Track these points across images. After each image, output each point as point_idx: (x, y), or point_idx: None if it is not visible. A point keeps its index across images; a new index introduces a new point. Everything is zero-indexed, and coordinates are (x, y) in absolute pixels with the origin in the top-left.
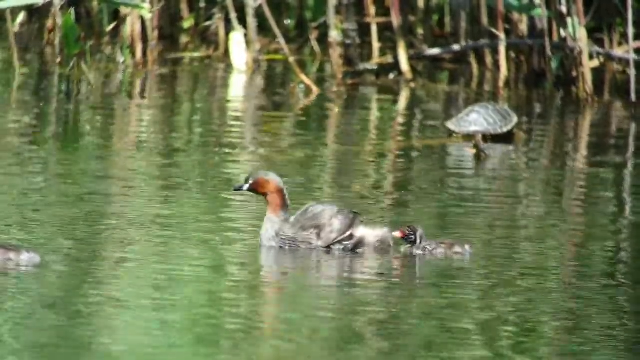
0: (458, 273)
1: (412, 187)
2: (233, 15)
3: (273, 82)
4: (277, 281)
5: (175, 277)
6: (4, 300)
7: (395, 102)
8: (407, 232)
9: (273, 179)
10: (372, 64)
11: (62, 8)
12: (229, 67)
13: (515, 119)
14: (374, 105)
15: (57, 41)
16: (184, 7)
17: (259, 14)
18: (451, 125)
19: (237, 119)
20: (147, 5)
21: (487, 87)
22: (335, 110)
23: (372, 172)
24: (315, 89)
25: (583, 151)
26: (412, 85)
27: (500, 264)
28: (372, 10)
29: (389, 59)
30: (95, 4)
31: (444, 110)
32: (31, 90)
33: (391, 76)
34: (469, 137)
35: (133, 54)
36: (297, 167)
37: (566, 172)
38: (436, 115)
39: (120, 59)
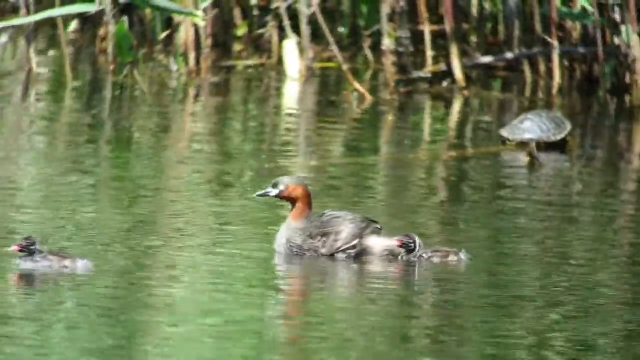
0: (506, 283)
1: (465, 195)
2: (286, 23)
3: (326, 89)
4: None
5: (226, 284)
6: (59, 308)
7: (448, 109)
8: (405, 240)
9: (302, 185)
10: (425, 72)
11: (114, 16)
12: (282, 75)
13: (568, 127)
14: (427, 113)
15: (109, 49)
16: (237, 14)
17: (312, 21)
18: (505, 132)
19: (290, 126)
20: (200, 13)
21: (540, 95)
22: (388, 117)
23: (425, 180)
24: (368, 97)
25: (636, 158)
26: (465, 92)
27: (550, 275)
28: (425, 17)
29: (442, 66)
30: (148, 11)
31: (498, 118)
32: (84, 98)
33: (444, 84)
34: (522, 144)
35: (186, 61)
36: (350, 175)
37: (619, 179)
38: (489, 123)
39: (174, 66)
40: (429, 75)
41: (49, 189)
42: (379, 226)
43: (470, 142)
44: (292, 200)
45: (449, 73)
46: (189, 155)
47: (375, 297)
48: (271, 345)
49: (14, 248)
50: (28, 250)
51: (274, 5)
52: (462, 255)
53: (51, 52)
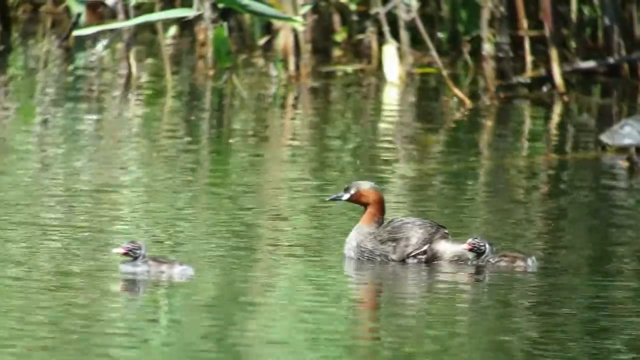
0: (601, 292)
1: (563, 200)
2: (386, 29)
3: (426, 95)
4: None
5: (325, 289)
6: (157, 312)
7: (548, 115)
8: (475, 244)
9: (375, 189)
10: (525, 77)
11: (214, 21)
12: (381, 81)
13: None
14: (527, 119)
15: (209, 54)
16: (336, 20)
17: (411, 27)
18: (605, 138)
19: (389, 131)
20: (299, 19)
21: None
22: (488, 123)
23: (523, 185)
24: (468, 103)
25: None
26: (565, 98)
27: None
28: (524, 23)
29: (542, 72)
30: (247, 17)
31: (598, 123)
32: (183, 103)
33: (544, 89)
34: (622, 149)
35: (286, 67)
36: (449, 180)
37: None
38: (589, 128)
39: (273, 72)
40: (528, 80)
41: (149, 193)
42: (447, 231)
43: (570, 147)
44: (364, 204)
45: (548, 78)
46: (288, 160)
47: (464, 304)
48: (376, 353)
49: (118, 251)
50: (133, 254)
51: (373, 11)
52: (530, 262)
53: (150, 58)
